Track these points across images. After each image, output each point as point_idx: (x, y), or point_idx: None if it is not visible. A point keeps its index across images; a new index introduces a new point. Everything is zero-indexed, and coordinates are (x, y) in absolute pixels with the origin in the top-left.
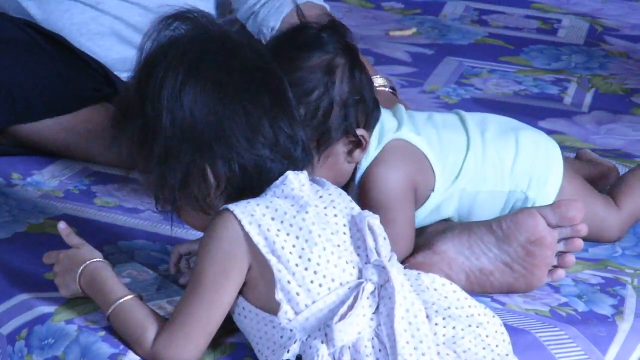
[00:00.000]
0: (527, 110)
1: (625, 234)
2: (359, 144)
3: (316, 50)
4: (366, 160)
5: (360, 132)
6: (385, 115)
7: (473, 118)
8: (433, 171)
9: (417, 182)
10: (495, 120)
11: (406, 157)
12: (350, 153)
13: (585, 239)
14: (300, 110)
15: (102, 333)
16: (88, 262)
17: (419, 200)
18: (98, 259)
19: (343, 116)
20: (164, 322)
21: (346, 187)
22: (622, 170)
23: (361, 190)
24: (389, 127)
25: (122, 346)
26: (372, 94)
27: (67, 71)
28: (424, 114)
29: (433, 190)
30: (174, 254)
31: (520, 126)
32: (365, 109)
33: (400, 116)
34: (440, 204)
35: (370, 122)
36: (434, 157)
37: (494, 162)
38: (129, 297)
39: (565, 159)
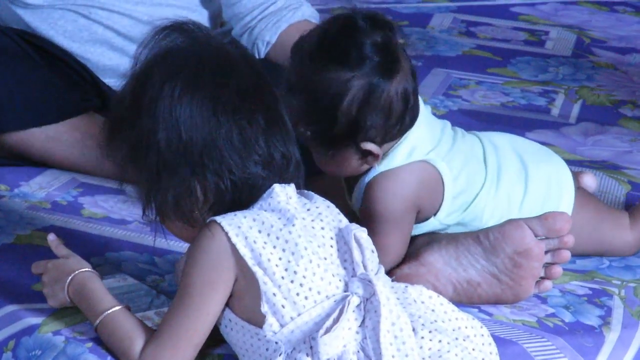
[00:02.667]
0: (515, 122)
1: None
2: (372, 153)
3: (349, 69)
4: (384, 164)
5: (369, 146)
6: (426, 130)
7: (494, 151)
8: (443, 200)
9: (422, 206)
10: (515, 154)
11: (422, 183)
12: (363, 157)
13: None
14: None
15: (90, 344)
16: (77, 272)
17: (417, 220)
18: (87, 269)
19: (350, 132)
20: (151, 333)
21: (354, 181)
22: (608, 182)
23: (367, 193)
24: (426, 145)
25: (109, 357)
26: (398, 112)
27: (56, 80)
28: (457, 133)
29: (435, 216)
30: (177, 268)
31: (538, 160)
32: (388, 130)
33: (438, 136)
34: (435, 228)
35: (387, 139)
36: (451, 190)
37: (502, 204)
38: (117, 308)
39: (578, 189)
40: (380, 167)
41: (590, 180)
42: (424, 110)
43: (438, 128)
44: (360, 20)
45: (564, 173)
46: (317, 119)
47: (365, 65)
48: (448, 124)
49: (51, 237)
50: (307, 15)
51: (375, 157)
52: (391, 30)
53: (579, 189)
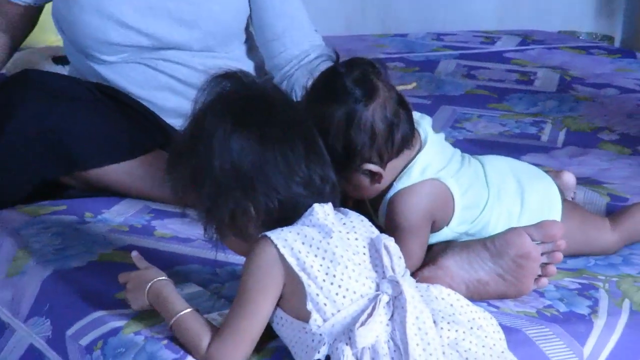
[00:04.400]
0: (511, 147)
1: (619, 249)
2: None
3: (333, 102)
4: (402, 182)
5: (369, 167)
6: (437, 153)
7: (494, 174)
8: (454, 212)
9: (436, 216)
10: (512, 175)
11: (436, 197)
12: (371, 178)
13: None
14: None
15: (165, 342)
16: (155, 280)
17: (432, 229)
18: (163, 278)
19: (347, 157)
20: (216, 331)
21: (378, 200)
22: (591, 195)
23: (389, 208)
24: (436, 165)
25: (182, 352)
26: (383, 133)
27: (127, 123)
28: (464, 158)
29: (447, 225)
30: None
31: (531, 179)
32: (380, 150)
33: (448, 158)
34: (448, 237)
35: (385, 159)
36: (460, 203)
37: (503, 216)
38: (188, 310)
39: (564, 200)
40: (398, 185)
41: (568, 176)
42: (436, 137)
43: (449, 152)
44: (340, 65)
45: (553, 190)
46: (327, 152)
47: (346, 97)
48: (458, 150)
49: (134, 253)
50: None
51: (380, 176)
52: (371, 67)
53: (566, 201)
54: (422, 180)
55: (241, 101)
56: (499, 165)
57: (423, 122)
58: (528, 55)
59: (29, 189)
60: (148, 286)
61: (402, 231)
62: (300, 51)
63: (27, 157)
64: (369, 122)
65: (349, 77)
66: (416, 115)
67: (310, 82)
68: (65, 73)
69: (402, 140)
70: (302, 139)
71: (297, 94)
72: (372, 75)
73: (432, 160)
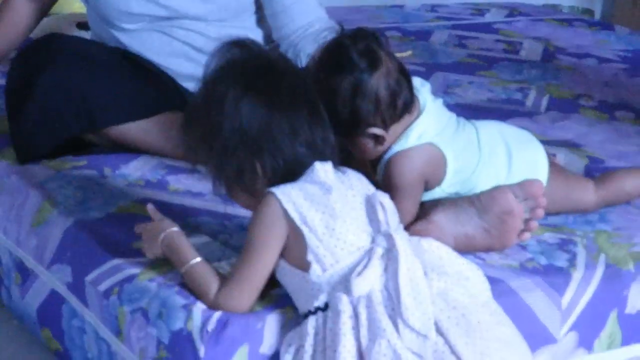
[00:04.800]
0: (498, 112)
1: (600, 208)
2: (379, 136)
3: (340, 73)
4: (400, 145)
5: (373, 130)
6: (433, 119)
7: (486, 136)
8: (445, 174)
9: (429, 178)
10: (502, 140)
11: (429, 160)
12: (375, 141)
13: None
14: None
15: (177, 288)
16: (168, 231)
17: (425, 188)
18: (176, 229)
19: (354, 122)
20: (224, 279)
21: (377, 160)
22: (571, 157)
23: (386, 168)
24: (432, 131)
25: (192, 298)
26: (386, 100)
27: (145, 85)
28: (459, 123)
29: (439, 186)
30: None
31: (520, 145)
32: (384, 116)
33: (444, 123)
34: (439, 196)
35: (388, 123)
36: (452, 167)
37: (491, 178)
38: (198, 259)
39: (551, 163)
40: (396, 148)
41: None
42: (434, 104)
43: (445, 118)
44: (345, 37)
45: (540, 154)
46: (332, 117)
47: (352, 68)
48: (454, 115)
49: (150, 206)
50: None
51: (383, 139)
52: (374, 38)
53: (552, 164)
54: (418, 144)
55: (250, 68)
56: (491, 130)
57: (423, 90)
58: (515, 26)
59: (55, 144)
60: (162, 236)
61: (397, 190)
62: (305, 22)
63: (53, 115)
64: (374, 90)
65: (354, 48)
66: (417, 82)
67: (315, 51)
68: (88, 38)
69: (404, 105)
70: (305, 103)
71: (302, 61)
72: (375, 46)
73: (429, 126)
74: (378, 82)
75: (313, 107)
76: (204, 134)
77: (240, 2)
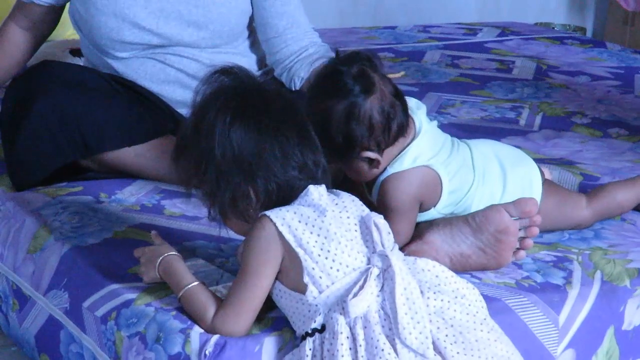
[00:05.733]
0: (492, 131)
1: (593, 224)
2: (373, 159)
3: (335, 98)
4: (395, 167)
5: (367, 154)
6: (428, 142)
7: (480, 156)
8: (441, 196)
9: (424, 199)
10: (496, 159)
11: (425, 182)
12: (369, 164)
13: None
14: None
15: (174, 312)
16: (165, 255)
17: (420, 210)
18: (174, 253)
19: (348, 146)
20: (221, 302)
21: (372, 181)
22: (565, 174)
23: (381, 190)
24: (427, 154)
25: (189, 322)
26: (380, 124)
27: (140, 111)
28: (454, 144)
29: (434, 207)
30: (238, 253)
31: (514, 163)
32: (378, 140)
33: (439, 145)
34: (434, 217)
35: (383, 146)
36: (447, 188)
37: (486, 198)
38: (195, 283)
39: (545, 181)
40: (391, 170)
41: (545, 173)
42: (429, 126)
43: (440, 140)
44: (340, 62)
45: (534, 172)
46: (327, 141)
47: (346, 93)
48: (448, 137)
49: (154, 233)
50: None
51: (378, 162)
52: (369, 62)
53: (546, 182)
54: (414, 167)
55: (238, 94)
56: (484, 149)
57: (418, 113)
58: (507, 45)
59: (50, 171)
60: (159, 260)
61: (392, 212)
62: (299, 47)
63: (47, 141)
64: (367, 114)
65: (349, 73)
66: (412, 103)
67: (310, 74)
68: (81, 64)
69: (398, 129)
70: (295, 127)
71: (296, 85)
72: (369, 70)
73: (424, 149)
74: (372, 107)
75: (303, 131)
76: (196, 162)
77: (233, 29)
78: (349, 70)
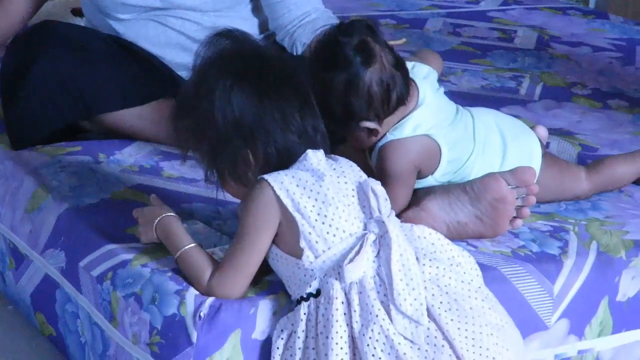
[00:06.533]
0: (492, 100)
1: (593, 195)
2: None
3: (335, 69)
4: (394, 135)
5: (366, 124)
6: (431, 111)
7: (482, 127)
8: (439, 164)
9: (422, 167)
10: (497, 129)
11: (424, 151)
12: (368, 133)
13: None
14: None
15: (170, 274)
16: (163, 215)
17: (418, 177)
18: (171, 214)
19: (347, 116)
20: (217, 265)
21: (373, 145)
22: (564, 144)
23: (379, 156)
24: (428, 123)
25: (185, 284)
26: (379, 95)
27: (141, 73)
28: (457, 112)
29: (432, 175)
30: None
31: (515, 135)
32: (377, 111)
33: (443, 115)
34: (431, 184)
35: (382, 116)
36: (446, 157)
37: (485, 168)
38: (192, 245)
39: (544, 153)
40: (390, 136)
41: (542, 131)
42: (434, 96)
43: (444, 109)
44: (341, 31)
45: (534, 144)
46: (326, 110)
47: (346, 64)
48: (453, 105)
49: (153, 195)
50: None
51: (377, 132)
52: (370, 31)
53: (546, 154)
54: (414, 135)
55: (239, 58)
56: (487, 119)
57: (425, 82)
58: (509, 14)
59: (50, 131)
60: (157, 221)
61: (389, 178)
62: (302, 12)
63: (47, 102)
64: (367, 86)
65: (349, 44)
66: (423, 71)
67: (312, 40)
68: (82, 25)
69: (397, 99)
70: (295, 92)
71: (298, 50)
72: (370, 40)
73: (425, 119)
74: (371, 79)
75: (303, 96)
76: (196, 124)
77: None
78: (350, 41)
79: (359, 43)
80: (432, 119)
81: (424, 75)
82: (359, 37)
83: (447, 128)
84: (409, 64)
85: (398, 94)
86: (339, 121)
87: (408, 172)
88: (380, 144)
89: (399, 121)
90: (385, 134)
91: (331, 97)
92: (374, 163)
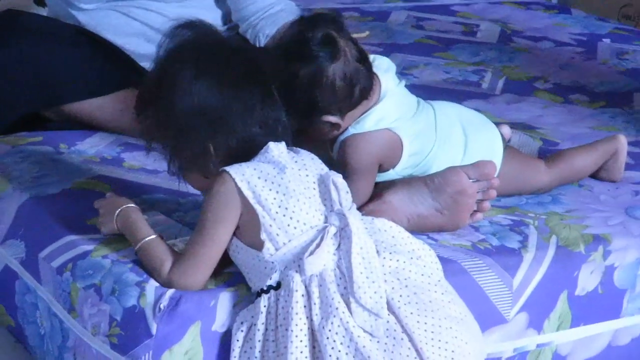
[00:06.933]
0: (454, 94)
1: (552, 189)
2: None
3: (299, 63)
4: (356, 129)
5: (329, 118)
6: (393, 105)
7: (443, 119)
8: (401, 158)
9: (384, 161)
10: (459, 123)
11: (385, 144)
12: (332, 127)
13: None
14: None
15: (130, 265)
16: (124, 207)
17: (379, 170)
18: (132, 205)
19: (310, 110)
20: (177, 256)
21: (333, 142)
22: (526, 138)
23: (341, 149)
24: (390, 117)
25: (145, 275)
26: (343, 89)
27: (103, 63)
28: (419, 105)
29: (393, 169)
30: None
31: (477, 129)
32: (340, 105)
33: (404, 108)
34: (393, 178)
35: (344, 111)
36: (408, 150)
37: (446, 161)
38: (153, 236)
39: (506, 147)
40: (352, 130)
41: (506, 130)
42: (396, 89)
43: (406, 102)
44: (305, 26)
45: (496, 137)
46: (291, 104)
47: (310, 59)
48: (415, 98)
49: (109, 194)
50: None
51: (339, 126)
52: (334, 24)
53: (508, 148)
54: (375, 129)
55: (201, 49)
56: (448, 112)
57: (386, 75)
58: (472, 8)
59: (11, 120)
60: (118, 212)
61: (350, 171)
62: (265, 4)
63: (8, 91)
64: (331, 81)
65: (313, 38)
66: (384, 64)
67: (275, 33)
68: (45, 14)
69: (361, 94)
70: (257, 84)
71: (261, 41)
72: (334, 33)
73: (387, 112)
74: (335, 73)
75: (265, 87)
76: (158, 115)
77: None
78: (315, 35)
79: (324, 37)
80: (394, 112)
81: (385, 68)
82: (324, 31)
83: (408, 121)
84: (370, 57)
85: (361, 88)
86: (301, 114)
87: (370, 165)
88: (342, 137)
89: (361, 115)
90: (347, 127)
91: (295, 90)
92: (335, 156)
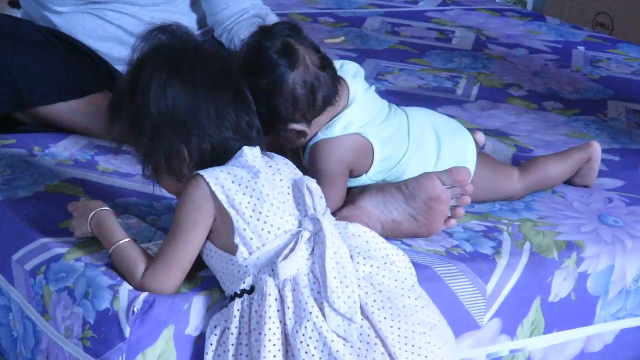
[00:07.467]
0: (428, 100)
1: (524, 196)
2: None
3: (258, 73)
4: (325, 134)
5: (294, 126)
6: (362, 109)
7: (416, 125)
8: (372, 163)
9: (354, 166)
10: (432, 128)
11: (355, 149)
12: (298, 135)
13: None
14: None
15: (103, 268)
16: (98, 210)
17: (351, 176)
18: (105, 208)
19: (274, 119)
20: (150, 260)
21: (303, 147)
22: (499, 145)
23: (310, 154)
24: (359, 121)
25: (118, 278)
26: (304, 97)
27: (77, 66)
28: (391, 110)
29: (366, 174)
30: None
31: (450, 134)
32: (303, 112)
33: (374, 112)
34: (365, 183)
35: (309, 118)
36: (379, 155)
37: (419, 167)
38: (126, 240)
39: (479, 153)
40: (321, 135)
41: (480, 136)
42: (364, 94)
43: (376, 106)
44: (263, 35)
45: (469, 143)
46: (257, 113)
47: (269, 68)
48: (386, 103)
49: (82, 199)
50: (273, 22)
51: (305, 133)
52: (293, 33)
53: (481, 154)
54: (344, 134)
55: (175, 52)
56: (421, 117)
57: (355, 80)
58: (447, 15)
59: None
60: (91, 215)
61: (321, 177)
62: (240, 9)
63: None
64: (290, 89)
65: (272, 47)
66: (352, 69)
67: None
68: (19, 16)
69: (324, 100)
70: (231, 88)
71: (236, 45)
72: (293, 41)
73: (356, 117)
74: (295, 81)
75: (238, 91)
76: (131, 119)
77: None
78: (273, 44)
79: (282, 46)
80: (363, 117)
81: (353, 73)
82: (282, 40)
83: (379, 126)
84: (337, 63)
85: (324, 95)
86: (267, 124)
87: (340, 170)
88: (311, 143)
89: (329, 120)
90: (316, 133)
91: (257, 100)
92: (306, 162)
